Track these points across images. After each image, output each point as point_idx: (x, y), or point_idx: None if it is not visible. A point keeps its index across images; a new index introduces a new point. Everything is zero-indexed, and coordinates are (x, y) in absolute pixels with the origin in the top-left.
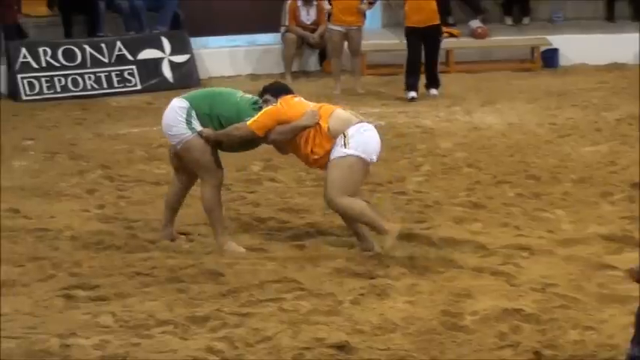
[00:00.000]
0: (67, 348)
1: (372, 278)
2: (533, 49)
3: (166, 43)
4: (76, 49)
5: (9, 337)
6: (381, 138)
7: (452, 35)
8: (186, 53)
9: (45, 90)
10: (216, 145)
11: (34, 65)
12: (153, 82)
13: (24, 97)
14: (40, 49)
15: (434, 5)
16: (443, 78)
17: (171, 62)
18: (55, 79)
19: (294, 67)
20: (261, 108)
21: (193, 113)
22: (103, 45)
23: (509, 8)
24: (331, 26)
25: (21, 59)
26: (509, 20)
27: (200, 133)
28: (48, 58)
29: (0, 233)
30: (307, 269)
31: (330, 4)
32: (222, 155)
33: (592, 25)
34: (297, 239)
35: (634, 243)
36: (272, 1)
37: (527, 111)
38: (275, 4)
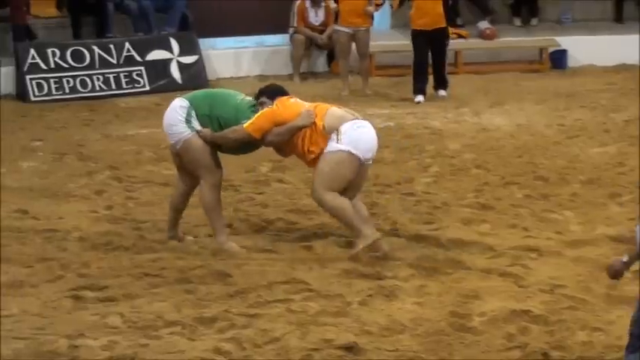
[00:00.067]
0: (75, 349)
1: (380, 279)
2: (541, 50)
3: (175, 44)
4: (85, 50)
5: (17, 338)
6: (378, 136)
7: (460, 36)
8: (195, 54)
9: (53, 91)
10: (214, 146)
11: (43, 66)
12: (161, 83)
13: (32, 98)
14: (49, 50)
15: (440, 8)
16: (451, 79)
17: (179, 63)
18: (64, 80)
19: (303, 68)
20: (258, 111)
21: (193, 113)
22: (111, 46)
23: (517, 9)
24: (338, 27)
25: (30, 60)
26: (517, 21)
27: (199, 133)
28: (57, 59)
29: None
30: (315, 270)
31: (337, 5)
32: (231, 157)
33: (600, 27)
34: (305, 240)
35: None
36: (280, 2)
37: (535, 112)
38: (283, 5)
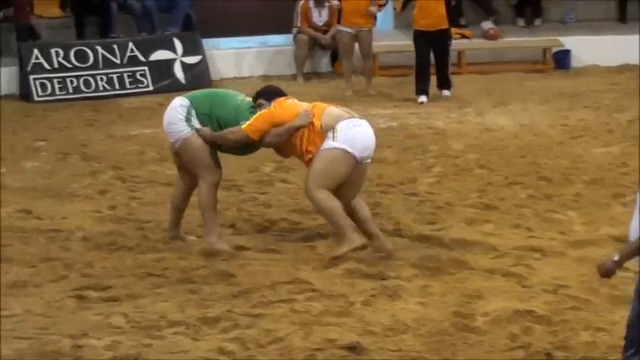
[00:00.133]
0: (78, 349)
1: (383, 279)
2: (545, 50)
3: (178, 45)
4: (88, 51)
5: (21, 338)
6: (377, 135)
7: (464, 36)
8: (198, 54)
9: (57, 91)
10: (214, 145)
11: (47, 66)
12: (165, 83)
13: (36, 98)
14: (53, 51)
15: (442, 10)
16: (455, 79)
17: (183, 63)
18: (67, 80)
19: (306, 69)
20: (256, 112)
21: (193, 112)
22: (115, 46)
23: (521, 10)
24: (341, 28)
25: (33, 60)
26: (521, 22)
27: (198, 132)
28: (60, 60)
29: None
30: (319, 270)
31: (340, 3)
32: (234, 157)
33: (604, 27)
34: (308, 240)
35: None
36: (284, 2)
37: (539, 112)
38: (287, 6)
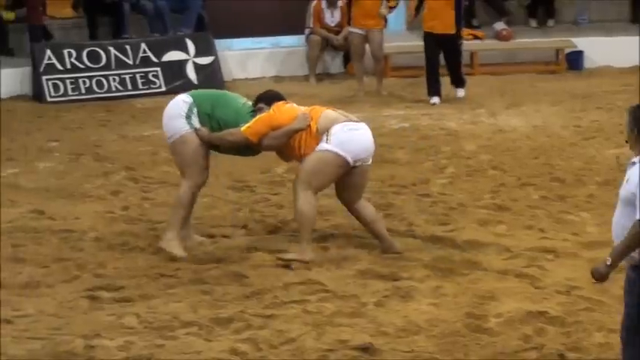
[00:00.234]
0: (91, 349)
1: (395, 280)
2: (557, 51)
3: (191, 45)
4: (101, 51)
5: (33, 338)
6: (374, 137)
7: (476, 37)
8: (211, 55)
9: (70, 92)
10: (210, 146)
11: (59, 67)
12: (177, 83)
13: (49, 99)
14: (65, 51)
15: (451, 13)
16: (467, 80)
17: (195, 64)
18: (80, 80)
19: (318, 70)
20: (256, 116)
21: (195, 110)
22: (127, 47)
23: (533, 10)
24: (352, 29)
25: (46, 61)
26: (533, 22)
27: (196, 131)
28: (73, 60)
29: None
30: (331, 271)
31: (350, 7)
32: (247, 158)
33: (617, 28)
34: (320, 241)
35: None
36: (296, 3)
37: (551, 113)
38: (299, 6)
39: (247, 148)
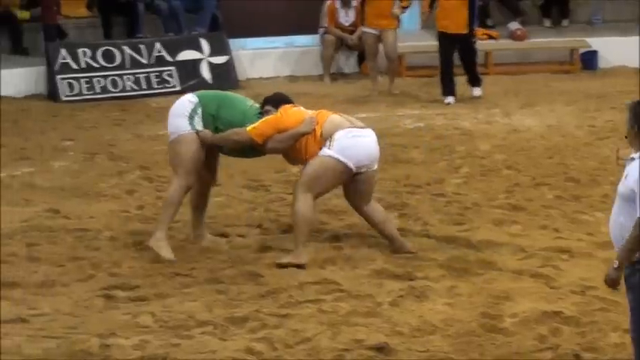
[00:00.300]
0: (107, 348)
1: (411, 280)
2: (572, 51)
3: (205, 45)
4: (116, 51)
5: (49, 337)
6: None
7: (491, 37)
8: (225, 54)
9: (84, 91)
10: (214, 147)
11: (74, 66)
12: (192, 83)
13: (63, 98)
14: (80, 50)
15: (464, 13)
16: (483, 80)
17: (210, 63)
18: (95, 80)
19: (333, 69)
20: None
21: (199, 111)
22: (142, 46)
23: (547, 10)
24: (365, 29)
25: (60, 60)
26: (547, 22)
27: (198, 133)
28: (87, 59)
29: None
30: (346, 271)
31: (364, 7)
32: (263, 157)
33: (631, 27)
34: (335, 241)
35: None
36: (310, 2)
37: (566, 113)
38: (313, 6)
39: (251, 150)
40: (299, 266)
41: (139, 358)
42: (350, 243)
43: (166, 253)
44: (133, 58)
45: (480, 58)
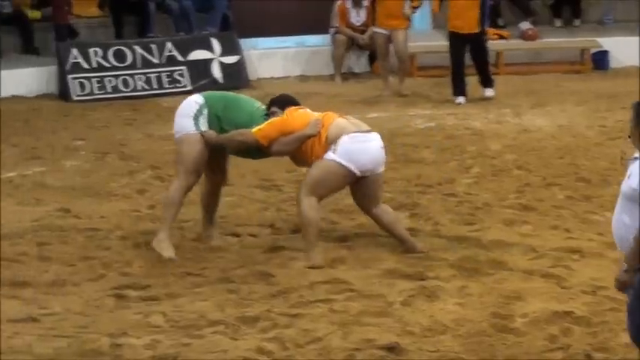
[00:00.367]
0: (117, 347)
1: (422, 280)
2: (583, 51)
3: (216, 44)
4: (127, 50)
5: (60, 337)
6: (385, 147)
7: (502, 37)
8: (236, 54)
9: (95, 90)
10: (218, 149)
11: (85, 66)
12: (203, 82)
13: (74, 98)
14: (91, 50)
15: (475, 12)
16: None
17: (221, 63)
18: (106, 79)
19: (344, 69)
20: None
21: (205, 112)
22: (153, 46)
23: (558, 10)
24: (376, 29)
25: (72, 60)
26: (558, 22)
27: (203, 134)
28: (98, 59)
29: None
30: (357, 270)
31: (374, 7)
32: (274, 157)
33: None
34: (346, 240)
35: None
36: (321, 2)
37: (577, 113)
38: (324, 6)
39: (257, 151)
40: (315, 267)
41: (150, 358)
42: (361, 243)
43: (168, 252)
44: (144, 58)
45: (490, 58)
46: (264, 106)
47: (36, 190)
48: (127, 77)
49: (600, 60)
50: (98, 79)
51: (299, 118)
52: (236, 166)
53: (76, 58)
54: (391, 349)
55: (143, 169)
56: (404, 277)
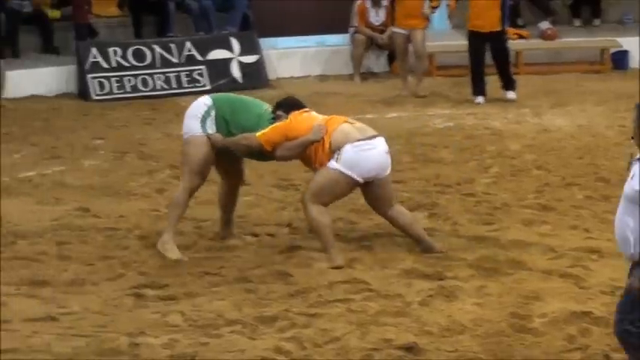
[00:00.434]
0: (136, 347)
1: (440, 280)
2: (602, 50)
3: (235, 44)
4: (146, 50)
5: (78, 336)
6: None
7: (521, 37)
8: (256, 54)
9: (115, 90)
10: (225, 152)
11: (104, 65)
12: (222, 82)
13: (94, 97)
14: (110, 50)
15: (497, 11)
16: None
17: (240, 63)
18: (125, 79)
19: (363, 68)
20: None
21: (212, 113)
22: (172, 45)
23: (576, 10)
24: (395, 29)
25: (91, 59)
26: (577, 22)
27: (209, 137)
28: (118, 58)
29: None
30: (375, 270)
31: (394, 7)
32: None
33: None
34: (365, 240)
35: None
36: (341, 1)
37: (596, 113)
38: (344, 5)
39: (262, 154)
40: (337, 267)
41: (168, 357)
42: (379, 242)
43: (172, 254)
44: (163, 57)
45: (511, 57)
46: (272, 108)
47: (55, 190)
48: (146, 77)
49: (620, 60)
50: (117, 78)
51: (303, 122)
52: (254, 166)
53: (95, 58)
54: (409, 349)
55: (162, 168)
56: (422, 276)
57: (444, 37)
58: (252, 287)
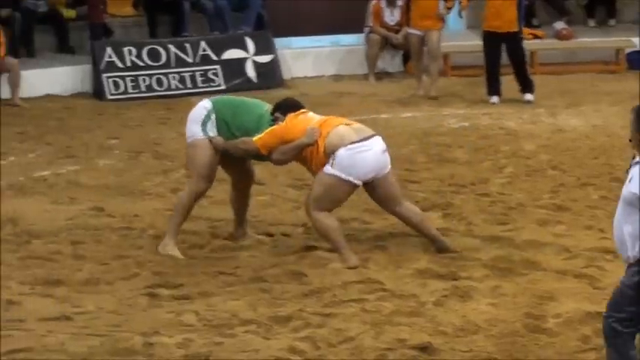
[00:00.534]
0: (150, 346)
1: (454, 280)
2: (617, 51)
3: (250, 44)
4: (161, 49)
5: (93, 335)
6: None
7: (536, 37)
8: (270, 53)
9: (130, 89)
10: (226, 154)
11: (119, 65)
12: (237, 82)
13: (109, 97)
14: (125, 49)
15: (514, 12)
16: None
17: (255, 62)
18: (140, 78)
19: (378, 68)
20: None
21: (213, 117)
22: (187, 45)
23: (591, 10)
24: (410, 30)
25: (106, 59)
26: (591, 22)
27: (211, 140)
28: (133, 58)
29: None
30: (390, 270)
31: (409, 7)
32: None
33: None
34: (379, 240)
35: None
36: (356, 1)
37: (611, 113)
38: (359, 5)
39: (262, 157)
40: (351, 267)
41: (183, 357)
42: (394, 242)
43: (175, 253)
44: (178, 57)
45: (526, 58)
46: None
47: (70, 189)
48: (161, 76)
49: (635, 60)
50: (132, 78)
51: (299, 125)
52: (269, 165)
53: (110, 57)
54: (423, 349)
55: (177, 168)
56: (436, 277)
57: (458, 38)
58: (267, 287)
